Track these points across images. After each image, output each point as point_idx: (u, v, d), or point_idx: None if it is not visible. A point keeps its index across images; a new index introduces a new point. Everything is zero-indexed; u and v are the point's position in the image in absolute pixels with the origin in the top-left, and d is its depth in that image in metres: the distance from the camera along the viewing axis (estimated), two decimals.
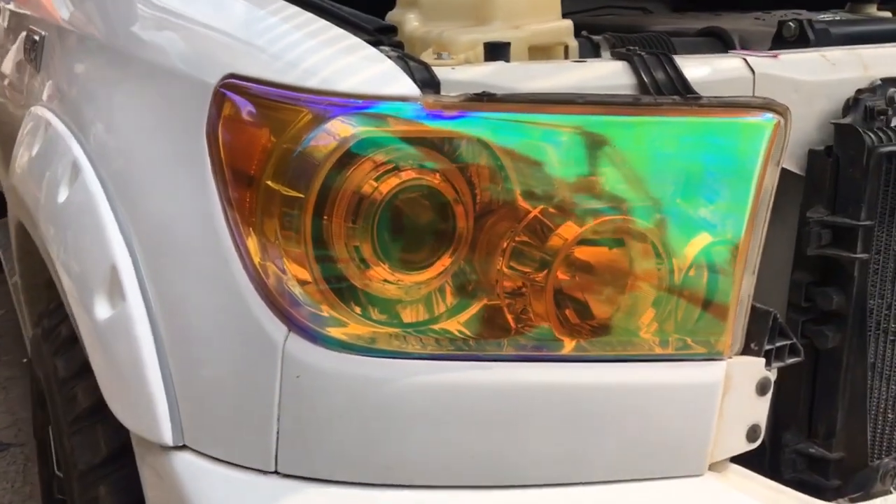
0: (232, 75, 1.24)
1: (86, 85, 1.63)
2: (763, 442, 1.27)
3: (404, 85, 1.13)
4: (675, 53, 1.72)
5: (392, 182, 1.14)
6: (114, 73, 1.50)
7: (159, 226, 1.32)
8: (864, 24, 1.56)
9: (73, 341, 1.66)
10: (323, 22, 1.25)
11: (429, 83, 1.16)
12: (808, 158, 1.31)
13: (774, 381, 1.25)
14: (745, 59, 1.29)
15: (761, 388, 1.22)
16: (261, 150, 1.19)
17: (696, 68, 1.26)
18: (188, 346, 1.24)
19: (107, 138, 1.49)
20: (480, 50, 1.31)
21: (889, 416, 1.36)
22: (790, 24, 1.50)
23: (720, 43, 1.83)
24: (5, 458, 3.04)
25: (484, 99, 1.14)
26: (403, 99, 1.12)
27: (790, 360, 1.24)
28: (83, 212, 1.44)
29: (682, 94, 1.20)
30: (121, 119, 1.44)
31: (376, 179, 1.14)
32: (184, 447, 1.24)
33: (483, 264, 1.17)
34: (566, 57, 1.44)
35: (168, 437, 1.24)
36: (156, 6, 1.52)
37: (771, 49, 1.55)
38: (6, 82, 2.45)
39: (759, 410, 1.22)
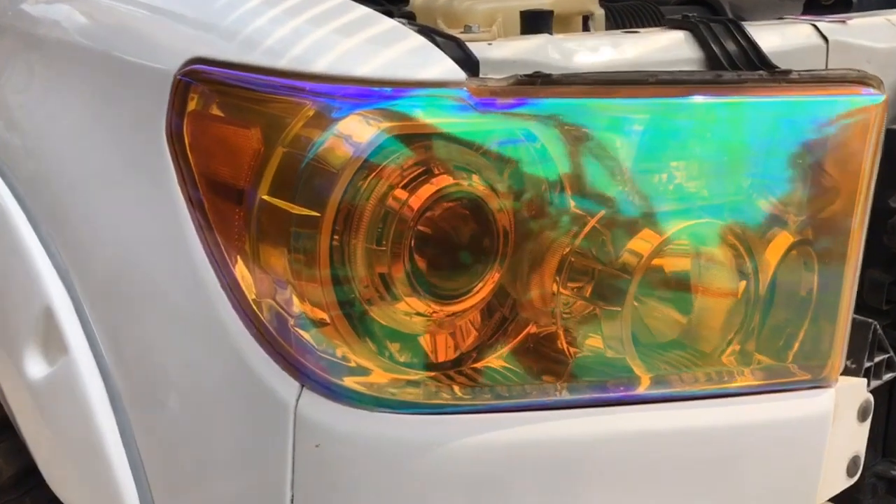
0: (197, 60, 0.97)
1: None
2: None
3: (444, 67, 0.88)
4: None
5: (426, 192, 0.89)
6: (28, 61, 1.19)
7: (109, 254, 1.03)
8: None
9: None
10: None
11: (464, 63, 0.91)
12: (885, 138, 1.13)
13: None
14: (814, 26, 1.10)
15: (863, 413, 1.03)
16: (250, 156, 0.92)
17: (764, 37, 1.05)
18: (161, 412, 0.97)
19: (21, 143, 1.18)
20: (502, 21, 1.07)
21: None
22: None
23: (710, 11, 1.65)
24: None
25: (538, 82, 0.90)
26: (443, 85, 0.87)
27: (887, 376, 1.07)
28: None
29: (763, 68, 0.99)
30: (41, 122, 1.13)
31: (406, 188, 0.89)
32: None
33: (538, 285, 0.94)
34: (587, 27, 1.22)
35: None
36: None
37: (804, 14, 1.37)
38: None
39: (860, 439, 1.04)
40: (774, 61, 1.02)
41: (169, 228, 0.97)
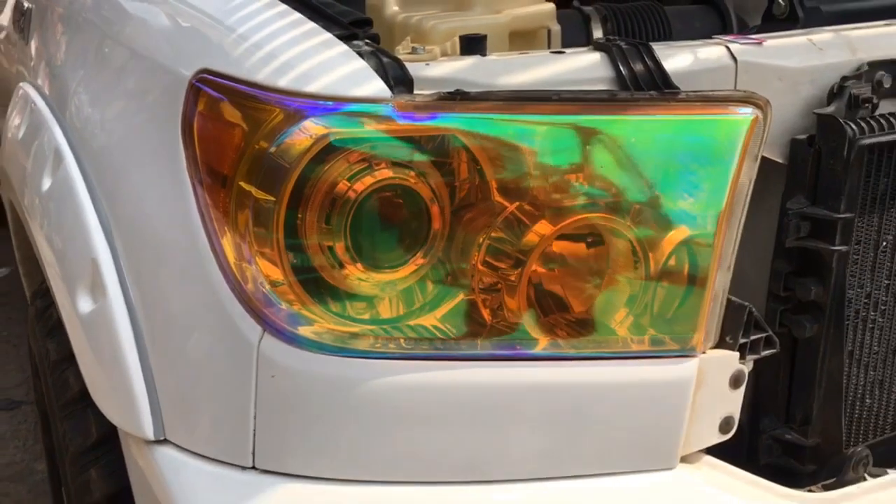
0: (206, 70, 1.23)
1: (68, 67, 1.62)
2: (742, 427, 1.28)
3: (375, 85, 1.11)
4: (669, 24, 1.70)
5: (366, 182, 1.14)
6: (96, 56, 1.49)
7: (138, 221, 1.32)
8: (856, 0, 1.52)
9: (63, 325, 1.67)
10: (297, 16, 1.23)
11: (401, 81, 1.14)
12: (790, 148, 1.29)
13: (753, 368, 1.26)
14: (727, 47, 1.26)
15: (735, 381, 1.22)
16: (234, 149, 1.18)
17: (677, 59, 1.23)
18: (167, 343, 1.26)
19: (87, 126, 1.49)
20: (458, 41, 1.29)
21: (866, 402, 1.36)
22: (780, 1, 1.47)
23: (716, 12, 1.79)
24: (17, 416, 3.03)
25: (457, 98, 1.13)
26: (374, 100, 1.11)
27: (766, 352, 1.24)
28: (65, 202, 1.44)
29: (660, 88, 1.18)
30: (101, 107, 1.43)
31: (350, 179, 1.13)
32: (165, 441, 1.26)
33: (459, 261, 1.17)
34: (549, 42, 1.42)
35: (149, 432, 1.26)
36: None
37: (760, 28, 1.52)
38: (2, 51, 2.44)
39: (732, 403, 1.23)
40: (685, 81, 1.20)
41: (179, 204, 1.25)
